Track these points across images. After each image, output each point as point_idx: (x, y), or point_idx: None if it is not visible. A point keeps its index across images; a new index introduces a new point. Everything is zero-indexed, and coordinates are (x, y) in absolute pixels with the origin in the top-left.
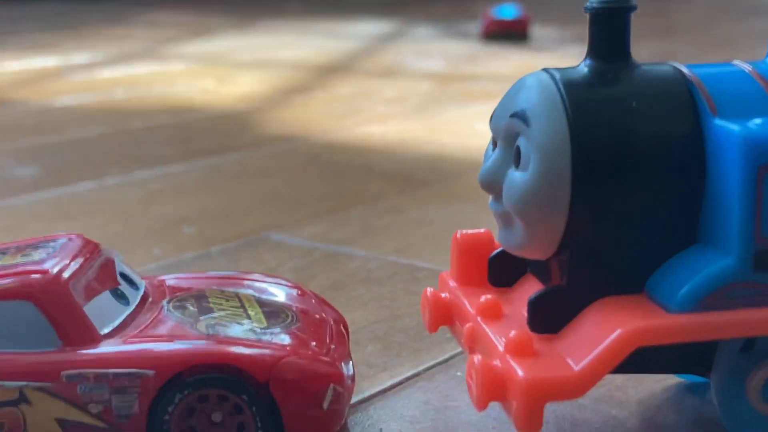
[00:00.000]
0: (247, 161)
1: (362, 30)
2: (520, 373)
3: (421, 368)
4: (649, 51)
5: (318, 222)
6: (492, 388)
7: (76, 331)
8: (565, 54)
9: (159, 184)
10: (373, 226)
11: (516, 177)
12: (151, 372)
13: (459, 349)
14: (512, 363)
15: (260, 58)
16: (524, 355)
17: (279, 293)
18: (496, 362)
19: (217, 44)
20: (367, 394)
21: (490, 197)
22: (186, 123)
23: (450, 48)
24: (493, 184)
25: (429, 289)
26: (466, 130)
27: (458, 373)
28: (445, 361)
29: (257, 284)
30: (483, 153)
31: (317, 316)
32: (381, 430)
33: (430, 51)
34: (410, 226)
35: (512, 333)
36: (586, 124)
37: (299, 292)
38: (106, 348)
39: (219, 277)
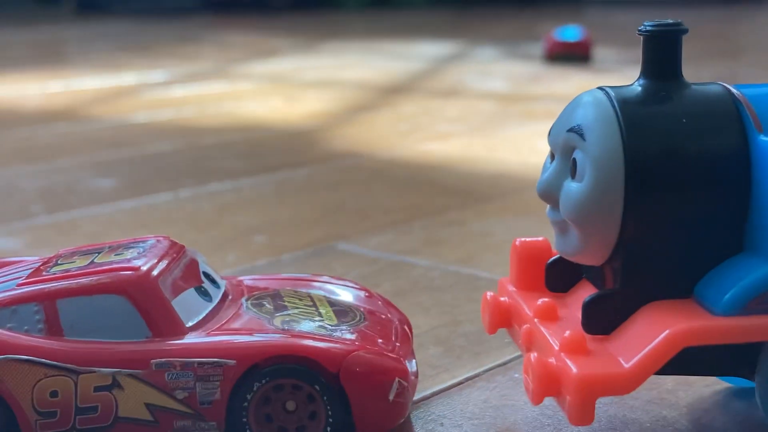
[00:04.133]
0: (315, 176)
1: (425, 51)
2: (573, 369)
3: (480, 370)
4: (712, 72)
5: (383, 233)
6: (547, 384)
7: (165, 323)
8: (626, 75)
9: (231, 197)
10: (435, 237)
11: (572, 187)
12: (232, 362)
13: (518, 353)
14: (566, 360)
15: (325, 77)
16: (578, 353)
17: (348, 294)
18: (552, 360)
19: (284, 64)
20: (429, 392)
21: (548, 206)
22: (255, 139)
23: (513, 69)
24: (550, 194)
25: (489, 293)
26: (527, 148)
27: (516, 375)
28: (504, 363)
29: (327, 286)
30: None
31: (383, 316)
32: (442, 424)
33: (493, 71)
34: (472, 237)
35: (567, 333)
36: (639, 139)
37: (367, 294)
38: (191, 339)
39: (292, 279)
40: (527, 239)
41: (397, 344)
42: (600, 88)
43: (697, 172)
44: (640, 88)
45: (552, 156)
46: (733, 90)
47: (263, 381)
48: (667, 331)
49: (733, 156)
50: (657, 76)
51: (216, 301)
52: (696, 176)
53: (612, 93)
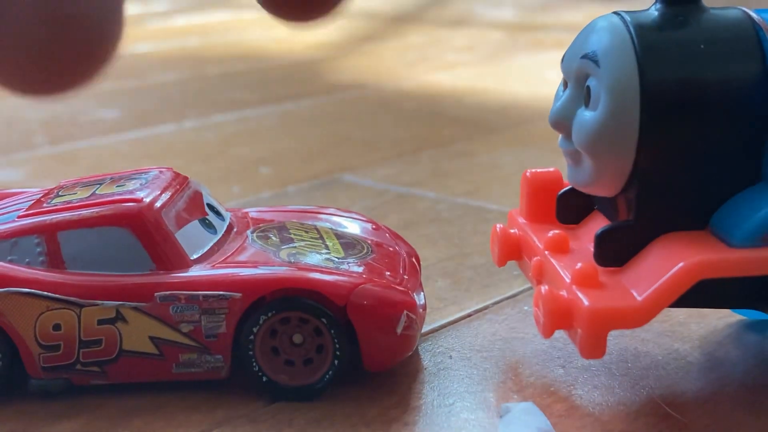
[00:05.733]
0: (320, 107)
1: None
2: (585, 302)
3: (489, 302)
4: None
5: (389, 165)
6: (558, 317)
7: (168, 255)
8: (637, 4)
9: (236, 127)
10: (443, 168)
11: (586, 116)
12: (238, 294)
13: (526, 285)
14: (578, 293)
15: None
16: (590, 286)
17: (355, 227)
18: (563, 292)
19: None
20: (437, 324)
21: (560, 136)
22: (260, 70)
23: None
24: (563, 122)
25: (498, 225)
26: (536, 78)
27: (525, 308)
28: (513, 296)
29: (334, 218)
30: (552, 99)
31: (391, 248)
32: (451, 357)
33: (502, 0)
34: (480, 169)
35: (579, 265)
36: (655, 66)
37: (374, 227)
38: (196, 272)
39: (298, 211)
40: (538, 170)
41: (405, 277)
42: (615, 13)
43: (715, 99)
44: (656, 13)
45: (565, 84)
46: (754, 15)
47: (269, 314)
48: (681, 264)
49: (752, 83)
50: (674, 1)
51: (221, 233)
52: (713, 104)
53: (628, 18)
